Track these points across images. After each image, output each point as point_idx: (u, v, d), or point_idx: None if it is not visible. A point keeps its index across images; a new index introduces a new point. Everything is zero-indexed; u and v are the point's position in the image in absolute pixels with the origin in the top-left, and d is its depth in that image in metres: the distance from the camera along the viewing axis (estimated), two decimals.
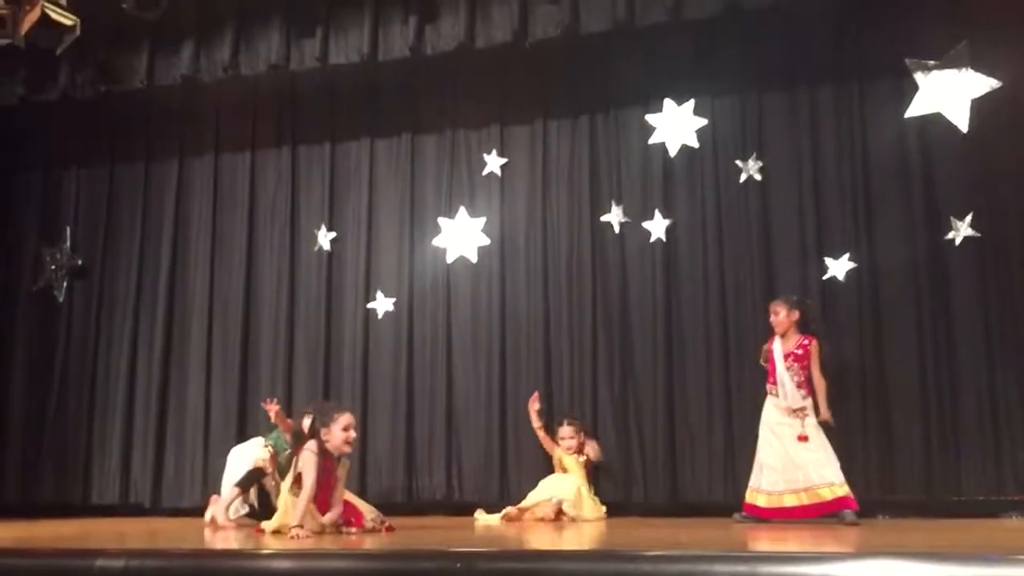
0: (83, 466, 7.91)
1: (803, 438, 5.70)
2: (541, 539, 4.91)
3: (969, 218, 6.43)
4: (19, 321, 8.32)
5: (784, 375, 5.83)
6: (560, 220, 7.37)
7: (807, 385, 5.82)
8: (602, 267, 7.20)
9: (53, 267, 8.30)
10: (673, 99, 7.14)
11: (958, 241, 6.46)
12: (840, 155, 6.81)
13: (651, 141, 7.17)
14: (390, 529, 5.28)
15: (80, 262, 8.28)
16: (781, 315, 5.97)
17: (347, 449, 5.20)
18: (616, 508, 6.57)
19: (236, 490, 6.22)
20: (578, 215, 7.31)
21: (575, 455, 6.61)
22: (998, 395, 6.25)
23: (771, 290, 6.60)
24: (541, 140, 7.49)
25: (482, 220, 7.50)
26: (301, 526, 4.79)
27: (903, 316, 6.52)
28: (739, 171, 6.98)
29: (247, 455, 6.45)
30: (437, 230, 7.58)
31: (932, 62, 6.61)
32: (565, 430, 6.66)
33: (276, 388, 7.54)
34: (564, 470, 6.61)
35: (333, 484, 5.17)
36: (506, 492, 6.95)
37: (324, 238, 7.80)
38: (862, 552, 3.45)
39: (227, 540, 5.04)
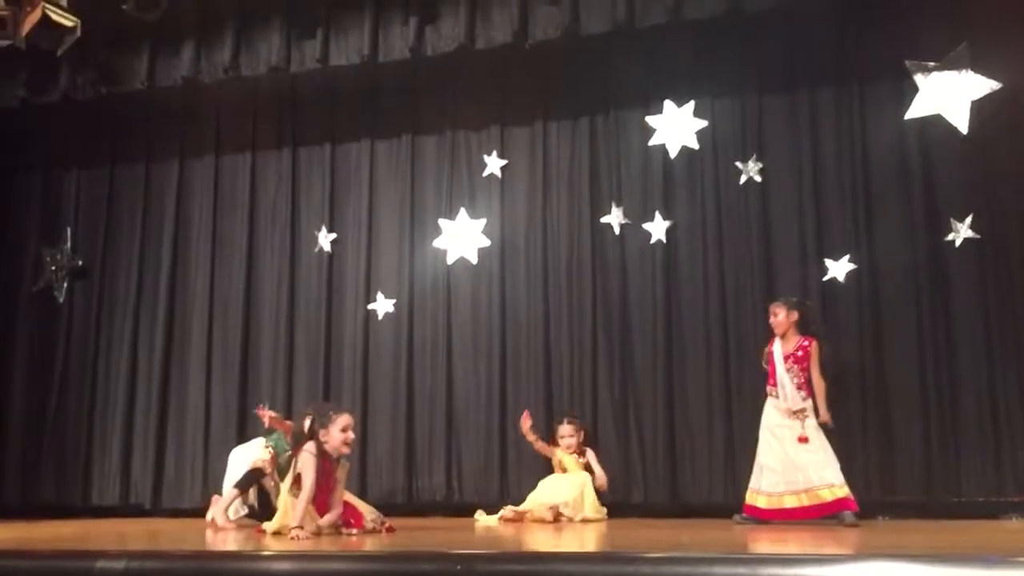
0: (83, 467, 7.91)
1: (803, 439, 5.69)
2: (541, 541, 4.91)
3: (969, 219, 6.43)
4: (19, 321, 8.32)
5: (784, 376, 5.83)
6: (560, 221, 7.37)
7: (807, 386, 5.81)
8: (602, 268, 7.20)
9: (53, 268, 8.30)
10: (673, 100, 7.14)
11: (958, 242, 6.46)
12: (840, 156, 6.81)
13: (651, 142, 7.17)
14: (390, 530, 5.27)
15: (80, 263, 8.28)
16: (780, 316, 5.97)
17: (346, 450, 5.18)
18: (616, 509, 6.56)
19: (235, 491, 6.22)
20: (578, 216, 7.31)
21: (574, 455, 6.60)
22: (998, 396, 6.25)
23: (771, 291, 6.60)
24: (541, 141, 7.49)
25: (482, 221, 7.50)
26: (301, 527, 4.79)
27: (903, 317, 6.52)
28: (739, 172, 6.98)
29: (248, 456, 6.42)
30: (437, 231, 7.59)
31: (932, 63, 6.61)
32: (565, 428, 6.65)
33: (276, 389, 7.56)
34: (564, 470, 6.60)
35: (332, 485, 5.16)
36: (506, 493, 6.95)
37: (324, 239, 7.80)
38: (862, 554, 3.44)
39: (228, 541, 5.03)
